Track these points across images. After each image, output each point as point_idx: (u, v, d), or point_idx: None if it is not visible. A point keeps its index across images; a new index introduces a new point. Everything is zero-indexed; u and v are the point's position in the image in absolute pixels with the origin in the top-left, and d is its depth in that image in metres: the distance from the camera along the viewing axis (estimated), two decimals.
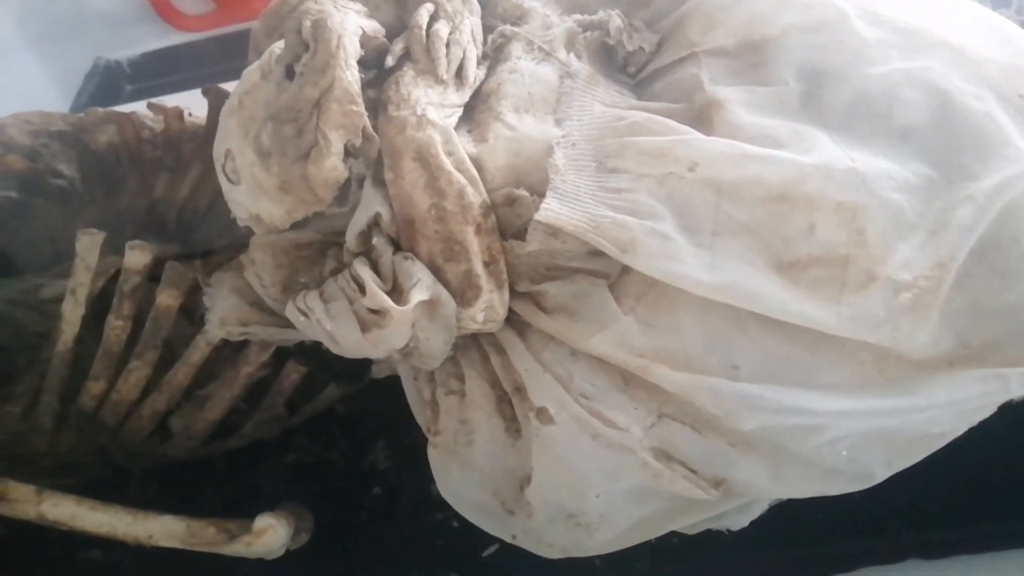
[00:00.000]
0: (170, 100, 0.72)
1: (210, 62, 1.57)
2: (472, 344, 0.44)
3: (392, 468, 0.54)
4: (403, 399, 0.55)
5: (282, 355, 0.50)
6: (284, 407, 0.51)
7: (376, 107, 0.40)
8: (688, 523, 0.43)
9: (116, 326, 0.47)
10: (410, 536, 0.50)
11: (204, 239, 0.60)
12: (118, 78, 1.58)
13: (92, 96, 1.50)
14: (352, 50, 0.38)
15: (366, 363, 0.53)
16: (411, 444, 0.55)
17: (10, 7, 1.43)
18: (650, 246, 0.37)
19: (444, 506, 0.51)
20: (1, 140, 0.65)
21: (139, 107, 0.70)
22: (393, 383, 0.55)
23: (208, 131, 0.61)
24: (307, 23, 0.38)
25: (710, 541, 0.46)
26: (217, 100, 0.58)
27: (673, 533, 0.46)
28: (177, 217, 0.64)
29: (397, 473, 0.54)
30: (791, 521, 0.46)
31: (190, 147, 0.62)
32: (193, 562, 0.50)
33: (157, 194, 0.63)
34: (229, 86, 0.61)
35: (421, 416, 0.47)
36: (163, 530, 0.47)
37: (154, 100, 0.67)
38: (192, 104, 0.66)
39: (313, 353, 0.50)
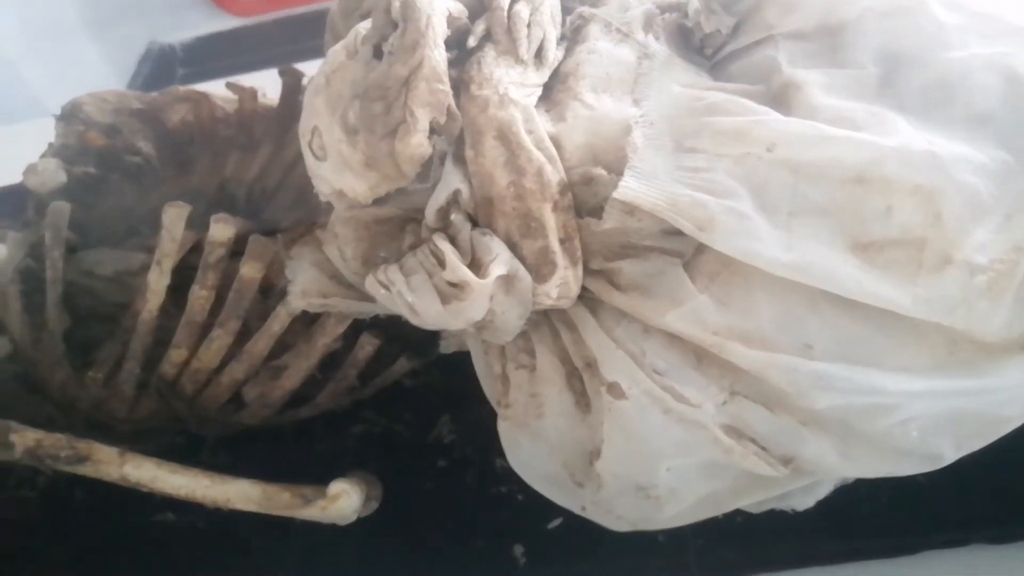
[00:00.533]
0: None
1: (261, 47, 1.60)
2: (543, 320, 0.45)
3: (456, 442, 0.55)
4: (468, 376, 0.57)
5: (354, 330, 0.52)
6: (356, 378, 0.52)
7: (458, 86, 0.41)
8: (754, 501, 0.44)
9: (200, 296, 0.49)
10: (475, 508, 0.52)
11: (272, 217, 0.62)
12: (171, 62, 1.62)
13: (146, 79, 1.53)
14: (440, 30, 0.39)
15: (435, 338, 0.54)
16: (475, 420, 0.56)
17: None
18: (728, 224, 0.38)
19: (508, 480, 0.53)
20: (79, 117, 0.67)
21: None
22: (458, 360, 0.56)
23: (280, 111, 0.63)
24: (396, 3, 0.40)
25: (774, 521, 0.46)
26: (292, 80, 0.60)
27: (737, 512, 0.47)
28: (246, 196, 0.66)
29: (461, 447, 0.55)
30: (855, 503, 0.46)
31: (261, 127, 0.63)
32: (265, 526, 0.52)
33: (228, 173, 0.65)
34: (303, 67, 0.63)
35: (491, 389, 0.48)
36: (240, 494, 0.49)
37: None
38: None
39: (385, 327, 0.52)
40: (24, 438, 0.50)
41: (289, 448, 0.57)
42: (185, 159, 0.65)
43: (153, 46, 1.58)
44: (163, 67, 1.60)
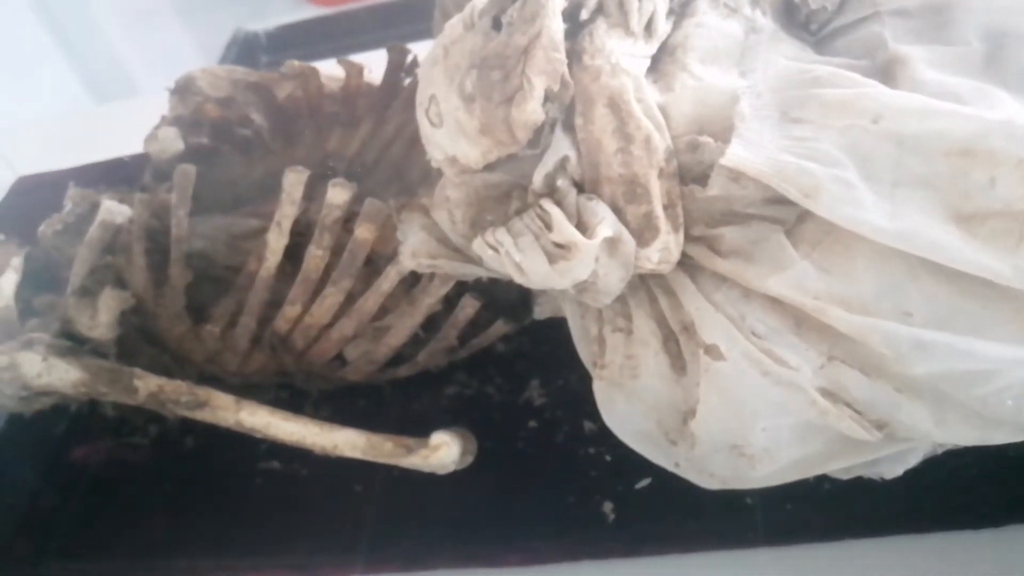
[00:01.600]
0: None
1: (342, 36, 1.65)
2: (640, 285, 0.47)
3: (547, 405, 0.58)
4: (557, 343, 0.59)
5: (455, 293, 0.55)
6: (456, 339, 0.55)
7: (570, 57, 0.43)
8: (845, 465, 0.45)
9: (316, 256, 0.52)
10: (565, 467, 0.54)
11: (370, 190, 0.65)
12: (255, 49, 1.68)
13: (232, 63, 1.60)
14: (558, 2, 0.41)
15: (529, 303, 0.57)
16: (564, 385, 0.59)
17: None
18: (834, 192, 0.39)
19: (597, 442, 0.55)
20: (192, 90, 0.71)
21: None
22: (547, 328, 0.59)
23: (383, 88, 0.66)
24: None
25: (861, 488, 0.47)
26: (398, 56, 0.63)
27: (824, 478, 0.49)
28: (346, 170, 0.69)
29: (551, 409, 0.57)
30: (944, 474, 0.47)
31: (364, 103, 0.66)
32: (365, 476, 0.56)
33: (330, 148, 0.69)
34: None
35: (586, 351, 0.50)
36: (346, 441, 0.52)
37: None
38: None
39: (484, 291, 0.54)
40: (148, 384, 0.54)
41: (386, 406, 0.60)
42: (291, 133, 0.68)
43: (239, 33, 1.64)
44: (247, 54, 1.66)
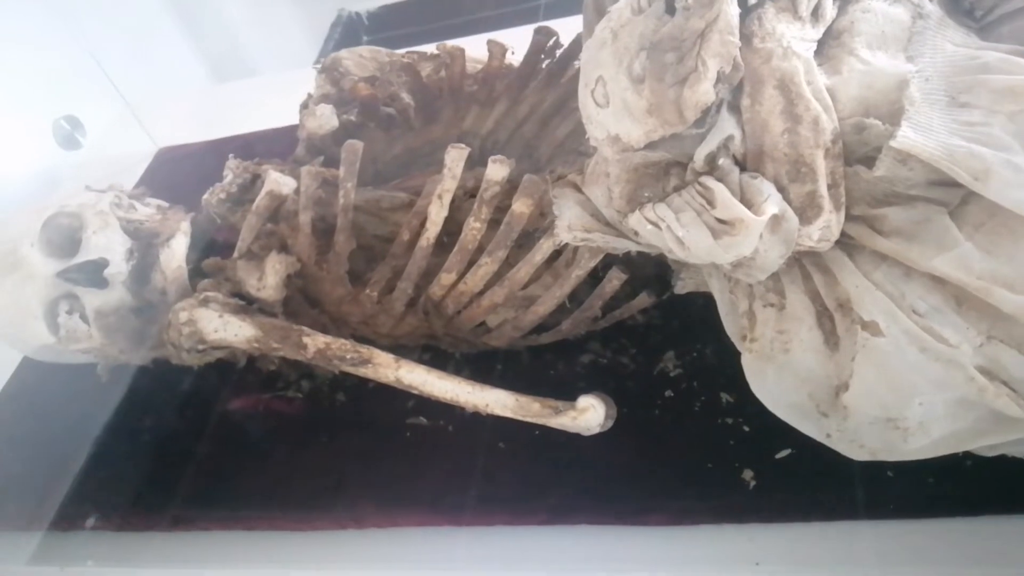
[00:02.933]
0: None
1: (440, 16, 1.69)
2: (794, 263, 0.49)
3: (682, 376, 0.60)
4: (690, 317, 0.61)
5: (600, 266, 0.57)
6: (599, 309, 0.58)
7: (740, 39, 0.45)
8: (994, 442, 0.46)
9: (474, 227, 0.56)
10: (703, 435, 0.56)
11: None
12: (357, 29, 1.73)
13: (336, 43, 1.65)
14: None
15: (668, 278, 0.59)
16: (698, 358, 0.61)
17: None
18: (1004, 176, 0.40)
19: (734, 412, 0.57)
20: (338, 70, 0.76)
21: None
22: (680, 305, 0.61)
23: (522, 69, 0.69)
24: None
25: (1002, 468, 0.49)
26: (543, 39, 0.65)
27: (968, 456, 0.50)
28: (479, 147, 0.72)
29: (687, 380, 0.59)
30: None
31: (502, 84, 0.69)
32: (508, 433, 0.59)
33: (466, 126, 0.72)
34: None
35: (734, 325, 0.52)
36: (497, 400, 0.55)
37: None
38: None
39: (628, 265, 0.57)
40: (316, 341, 0.58)
41: (524, 371, 0.63)
42: (432, 111, 0.72)
43: (343, 13, 1.70)
44: (350, 33, 1.71)
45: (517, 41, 0.71)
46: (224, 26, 1.40)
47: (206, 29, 1.33)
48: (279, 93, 0.87)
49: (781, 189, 0.45)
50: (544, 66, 0.69)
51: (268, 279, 0.61)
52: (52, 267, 0.63)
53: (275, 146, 0.88)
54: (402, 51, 0.76)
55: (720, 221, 0.45)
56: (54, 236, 0.65)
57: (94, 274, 0.63)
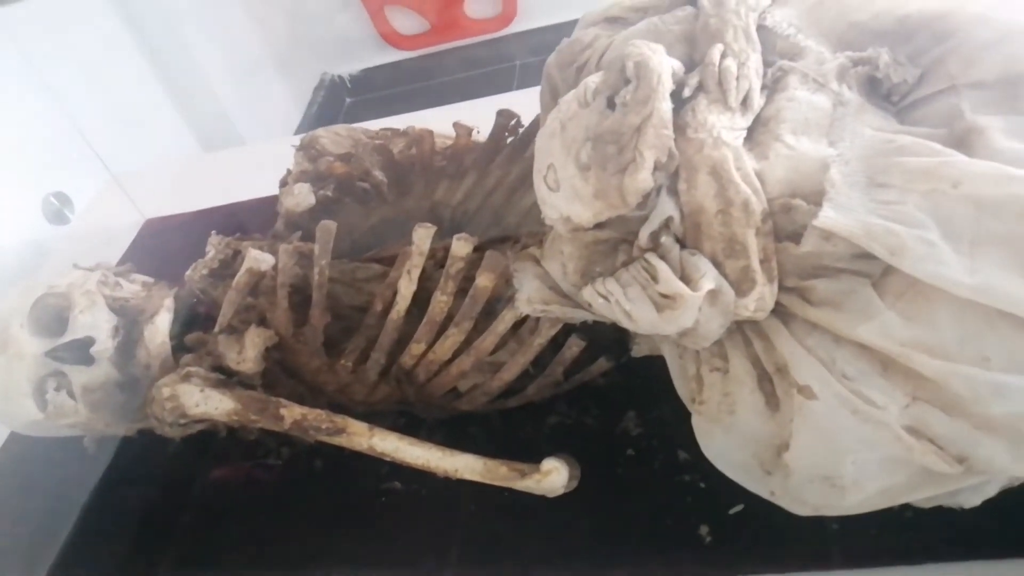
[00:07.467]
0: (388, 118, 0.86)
1: (421, 78, 1.76)
2: (736, 329, 0.52)
3: (643, 435, 0.63)
4: (649, 378, 0.64)
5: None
6: (562, 374, 0.61)
7: (675, 130, 0.49)
8: (927, 495, 0.49)
9: (441, 300, 0.59)
10: (662, 492, 0.59)
11: (472, 235, 0.72)
12: (340, 92, 1.80)
13: (320, 107, 1.71)
14: (668, 86, 0.47)
15: (627, 342, 0.62)
16: (658, 417, 0.64)
17: (257, 31, 1.66)
18: (917, 251, 0.44)
19: (692, 470, 0.60)
20: (315, 148, 0.80)
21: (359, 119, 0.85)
22: (641, 366, 0.64)
23: (488, 145, 0.73)
24: (630, 64, 0.48)
25: (940, 517, 0.51)
26: (505, 120, 0.70)
27: (907, 507, 0.53)
28: (451, 216, 0.76)
29: (647, 439, 0.63)
30: (1019, 506, 0.51)
31: (470, 158, 0.73)
32: (477, 497, 0.62)
33: (438, 197, 0.76)
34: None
35: (684, 388, 0.55)
36: (466, 465, 0.58)
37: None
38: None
39: (587, 332, 0.60)
40: (292, 412, 0.61)
41: (495, 433, 0.66)
42: (404, 185, 0.76)
43: (325, 77, 1.76)
44: (333, 96, 1.78)
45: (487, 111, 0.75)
46: (212, 97, 1.45)
47: (191, 98, 1.38)
48: (264, 162, 0.90)
49: (717, 265, 0.49)
50: (508, 142, 0.73)
51: (247, 352, 0.64)
52: (41, 346, 0.66)
53: (260, 215, 0.91)
54: (376, 128, 0.80)
55: (663, 296, 0.49)
56: (42, 316, 0.68)
57: (81, 352, 0.66)
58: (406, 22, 1.66)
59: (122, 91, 1.27)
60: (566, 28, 0.64)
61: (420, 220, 0.76)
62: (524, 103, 0.71)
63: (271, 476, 0.70)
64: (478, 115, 0.73)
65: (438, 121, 0.76)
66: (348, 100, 1.76)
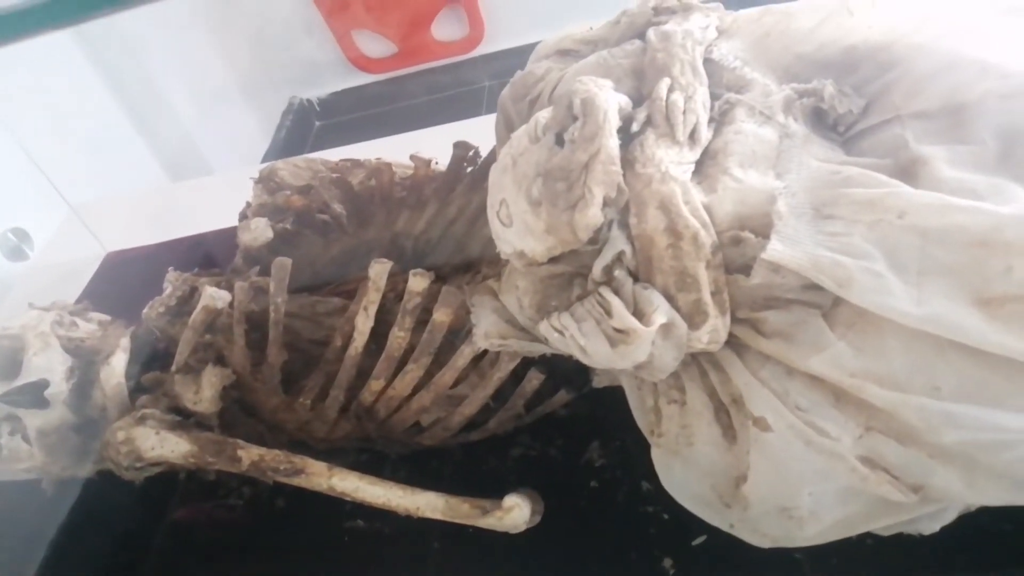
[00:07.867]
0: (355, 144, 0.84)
1: (388, 100, 1.75)
2: (692, 361, 0.52)
3: (606, 466, 0.63)
4: (613, 408, 0.64)
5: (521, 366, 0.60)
6: (523, 407, 0.60)
7: (623, 165, 0.49)
8: (885, 524, 0.49)
9: (399, 336, 0.59)
10: (626, 524, 0.59)
11: (434, 264, 0.72)
12: (309, 115, 1.78)
13: (288, 131, 1.70)
14: (614, 122, 0.48)
15: (587, 374, 0.62)
16: (621, 447, 0.64)
17: (221, 56, 1.65)
18: (865, 282, 0.44)
19: (655, 501, 0.60)
20: (274, 180, 0.79)
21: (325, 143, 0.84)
22: (603, 394, 0.64)
23: (448, 176, 0.72)
24: (577, 101, 0.48)
25: (901, 544, 0.52)
26: (463, 151, 0.70)
27: (868, 534, 0.53)
28: (413, 246, 0.76)
29: (611, 470, 0.62)
30: (977, 530, 0.51)
31: (430, 188, 0.73)
32: (441, 534, 0.61)
33: (398, 227, 0.75)
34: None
35: (643, 421, 0.55)
36: (427, 503, 0.57)
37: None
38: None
39: (546, 364, 0.60)
40: (250, 453, 0.60)
41: (459, 466, 0.65)
42: (364, 216, 0.75)
43: (294, 101, 1.75)
44: (302, 120, 1.76)
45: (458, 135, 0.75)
46: (178, 126, 1.44)
47: (156, 127, 1.37)
48: (231, 190, 0.89)
49: (670, 298, 0.49)
50: (468, 171, 0.73)
51: (204, 392, 0.63)
52: None
53: (226, 246, 0.90)
54: (337, 159, 0.80)
55: (616, 331, 0.49)
56: None
57: (35, 395, 0.64)
58: (373, 46, 1.66)
59: (83, 122, 1.26)
60: (533, 50, 0.64)
61: (382, 250, 0.76)
62: (492, 126, 0.70)
63: (233, 516, 0.69)
64: (447, 141, 0.73)
65: (408, 147, 0.75)
66: (318, 123, 1.75)
